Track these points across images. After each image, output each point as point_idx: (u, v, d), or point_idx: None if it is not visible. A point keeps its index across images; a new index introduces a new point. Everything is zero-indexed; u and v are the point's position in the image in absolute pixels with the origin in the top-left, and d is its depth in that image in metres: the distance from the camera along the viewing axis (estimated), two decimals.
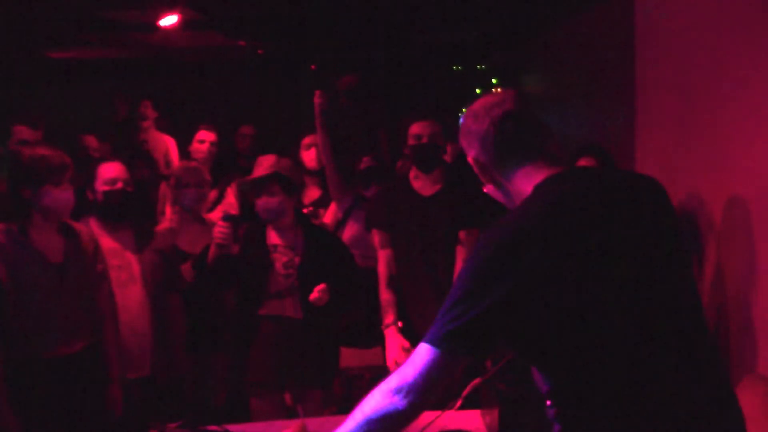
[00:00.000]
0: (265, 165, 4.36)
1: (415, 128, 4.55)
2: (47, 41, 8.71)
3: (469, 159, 2.32)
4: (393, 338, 4.29)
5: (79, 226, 4.01)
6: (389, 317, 4.39)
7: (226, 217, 4.29)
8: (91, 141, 6.80)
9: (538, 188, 2.13)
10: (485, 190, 2.35)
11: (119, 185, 4.30)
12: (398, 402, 2.00)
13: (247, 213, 5.15)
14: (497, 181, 2.28)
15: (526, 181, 2.18)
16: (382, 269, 4.55)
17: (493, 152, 2.24)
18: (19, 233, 3.74)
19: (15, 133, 5.12)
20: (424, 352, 2.01)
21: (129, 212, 4.38)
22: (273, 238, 4.42)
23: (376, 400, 2.04)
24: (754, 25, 3.98)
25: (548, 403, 2.10)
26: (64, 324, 3.78)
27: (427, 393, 2.01)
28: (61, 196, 3.77)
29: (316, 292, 4.23)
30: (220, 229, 4.21)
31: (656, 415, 1.98)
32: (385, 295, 4.47)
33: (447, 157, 6.32)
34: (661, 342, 2.02)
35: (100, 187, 4.29)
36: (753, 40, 3.99)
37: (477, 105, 2.31)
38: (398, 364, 3.81)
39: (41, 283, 3.73)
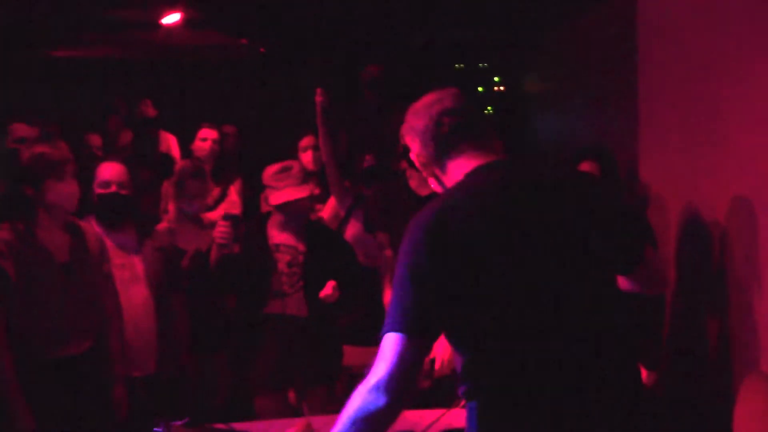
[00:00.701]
0: (299, 177, 4.39)
1: None
2: (50, 40, 8.71)
3: (412, 155, 2.42)
4: None
5: (85, 224, 4.01)
6: None
7: (227, 216, 4.29)
8: (95, 140, 6.80)
9: (467, 176, 2.25)
10: (431, 186, 2.46)
11: (112, 188, 4.25)
12: (378, 398, 2.06)
13: (252, 211, 5.16)
14: (436, 175, 2.38)
15: (459, 172, 2.29)
16: (387, 271, 4.49)
17: (432, 147, 2.35)
18: (25, 232, 3.74)
19: (12, 131, 5.11)
20: (389, 343, 2.08)
21: (122, 215, 4.35)
22: (275, 237, 4.42)
23: (358, 401, 2.10)
24: (757, 28, 3.99)
25: (460, 380, 2.20)
26: (71, 323, 3.78)
27: (404, 383, 2.07)
28: (65, 189, 3.78)
29: (329, 288, 4.24)
30: (221, 229, 4.21)
31: (548, 399, 2.10)
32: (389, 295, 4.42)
33: None
34: (563, 331, 2.13)
35: (96, 188, 4.29)
36: (756, 42, 4.00)
37: (419, 103, 2.44)
38: None
39: (48, 282, 3.73)
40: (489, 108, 9.72)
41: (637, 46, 5.56)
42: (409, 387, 2.08)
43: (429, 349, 2.14)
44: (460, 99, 2.40)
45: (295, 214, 4.40)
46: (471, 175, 2.24)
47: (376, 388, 2.06)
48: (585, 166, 4.44)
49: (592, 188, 2.29)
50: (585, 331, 2.14)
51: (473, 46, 9.77)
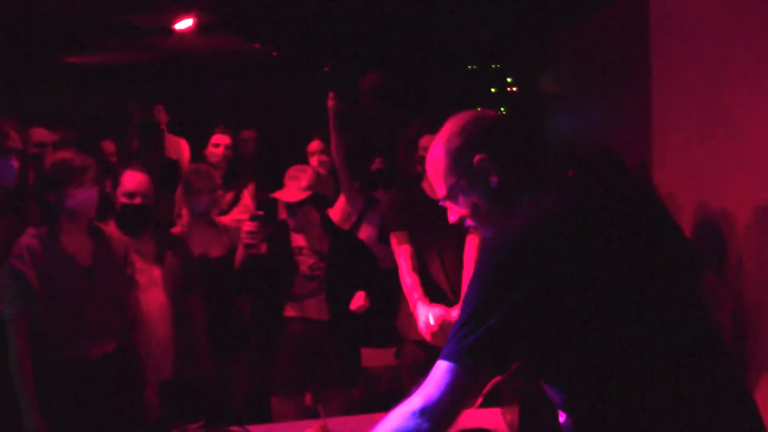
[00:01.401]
0: (303, 183, 4.37)
1: (425, 140, 4.54)
2: (64, 46, 8.75)
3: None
4: (422, 309, 4.16)
5: (108, 228, 4.04)
6: (416, 292, 4.25)
7: (254, 217, 4.28)
8: (109, 146, 6.81)
9: (537, 198, 2.14)
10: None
11: (137, 200, 4.29)
12: (421, 425, 1.96)
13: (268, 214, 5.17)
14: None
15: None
16: (404, 260, 4.39)
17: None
18: (48, 237, 3.78)
19: (32, 136, 5.12)
20: (443, 370, 1.97)
21: (145, 225, 4.38)
22: (298, 240, 4.44)
23: (398, 421, 1.99)
24: None
25: (563, 414, 2.09)
26: (95, 326, 3.82)
27: (451, 413, 1.97)
28: (84, 195, 3.81)
29: (360, 300, 4.24)
30: (248, 229, 4.22)
31: (669, 421, 1.96)
32: (410, 279, 4.32)
33: None
34: (671, 349, 2.00)
35: (120, 197, 4.30)
36: None
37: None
38: (433, 335, 3.83)
39: (71, 286, 3.78)
40: (502, 108, 9.71)
41: (650, 45, 5.55)
42: (456, 416, 1.99)
43: (488, 382, 2.06)
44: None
45: (293, 218, 4.39)
46: (541, 197, 2.14)
47: (423, 412, 1.96)
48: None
49: (654, 198, 2.26)
50: (689, 343, 2.03)
51: (486, 46, 9.76)
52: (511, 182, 2.18)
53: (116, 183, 4.33)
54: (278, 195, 4.42)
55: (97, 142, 6.71)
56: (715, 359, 2.06)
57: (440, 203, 2.30)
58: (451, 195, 2.25)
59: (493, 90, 9.88)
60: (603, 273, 1.98)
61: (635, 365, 1.97)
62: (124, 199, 4.28)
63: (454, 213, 2.29)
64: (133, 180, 4.30)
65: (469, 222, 2.29)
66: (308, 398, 4.46)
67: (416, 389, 2.04)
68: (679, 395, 1.97)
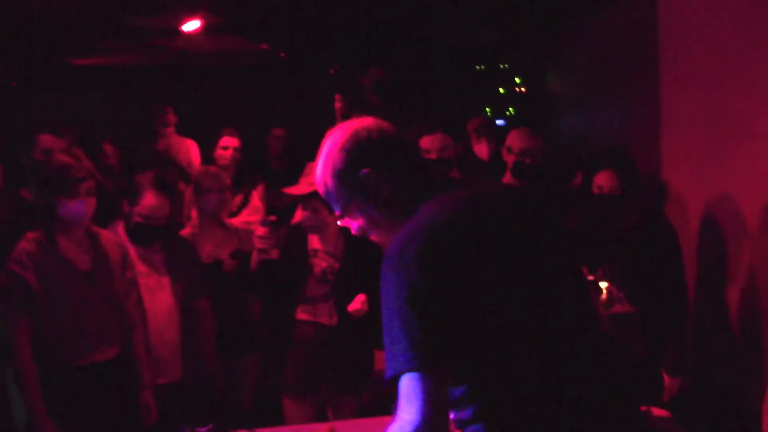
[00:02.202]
0: (312, 177, 4.35)
1: (425, 142, 4.52)
2: (71, 48, 8.76)
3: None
4: None
5: (106, 233, 4.01)
6: None
7: (266, 222, 4.25)
8: (107, 148, 6.82)
9: (431, 202, 2.14)
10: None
11: (153, 222, 4.28)
12: None
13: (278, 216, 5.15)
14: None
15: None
16: None
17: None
18: (47, 241, 3.76)
19: (40, 143, 5.10)
20: (409, 385, 1.92)
21: (157, 239, 4.36)
22: (314, 242, 4.42)
23: None
24: None
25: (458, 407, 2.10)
26: (95, 331, 3.80)
27: (442, 423, 1.94)
28: (75, 208, 3.74)
29: (357, 303, 4.24)
30: (260, 235, 4.20)
31: (556, 403, 2.03)
32: None
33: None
34: (558, 338, 2.06)
35: (136, 216, 4.26)
36: None
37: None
38: None
39: (70, 291, 3.75)
40: (511, 109, 9.69)
41: (659, 46, 5.53)
42: (446, 424, 1.96)
43: (449, 378, 1.99)
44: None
45: (305, 213, 4.36)
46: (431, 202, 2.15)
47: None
48: (603, 177, 4.39)
49: (538, 201, 2.28)
50: (582, 340, 2.11)
51: (494, 46, 9.75)
52: (402, 190, 2.21)
53: (134, 195, 4.28)
54: (288, 189, 4.41)
55: (97, 144, 6.73)
56: (597, 346, 2.15)
57: (338, 222, 2.32)
58: (347, 213, 2.27)
59: (501, 90, 9.86)
60: (496, 267, 2.03)
61: (525, 353, 2.02)
62: (139, 219, 4.25)
63: (355, 228, 2.31)
64: (152, 204, 4.26)
65: (371, 234, 2.31)
66: (318, 402, 4.45)
67: None
68: (560, 379, 2.04)
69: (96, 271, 3.84)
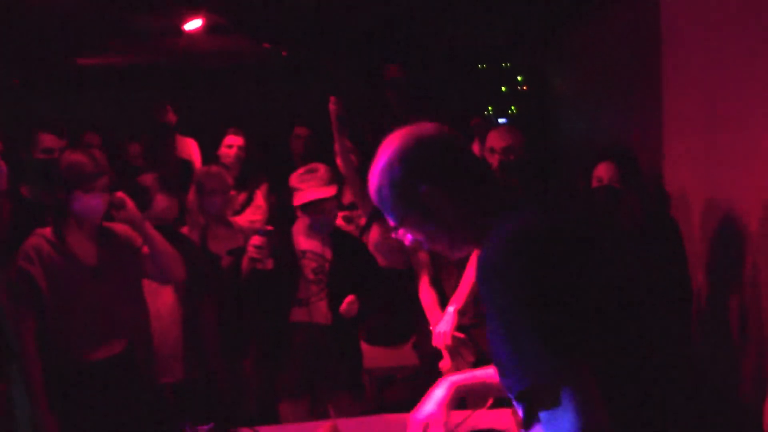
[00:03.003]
0: (325, 176, 4.36)
1: None
2: (73, 48, 8.77)
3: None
4: (450, 317, 4.10)
5: (120, 227, 4.00)
6: (435, 309, 4.28)
7: (262, 232, 4.24)
8: (134, 149, 6.81)
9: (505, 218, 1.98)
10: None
11: (164, 223, 4.31)
12: None
13: (278, 216, 5.15)
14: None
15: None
16: (423, 271, 4.44)
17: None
18: (54, 237, 3.77)
19: (40, 142, 5.12)
20: (557, 391, 1.75)
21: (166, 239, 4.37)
22: (302, 243, 4.42)
23: None
24: None
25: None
26: (102, 327, 3.81)
27: (603, 422, 1.77)
28: (91, 203, 3.78)
29: (346, 305, 4.24)
30: (255, 244, 4.19)
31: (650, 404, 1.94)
32: (428, 296, 4.37)
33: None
34: (649, 339, 1.98)
35: (151, 220, 4.28)
36: None
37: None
38: (447, 347, 3.90)
39: (77, 286, 3.77)
40: (513, 108, 9.69)
41: (661, 44, 5.53)
42: (603, 417, 1.77)
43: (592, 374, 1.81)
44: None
45: (319, 216, 4.37)
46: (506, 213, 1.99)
47: None
48: (602, 168, 4.40)
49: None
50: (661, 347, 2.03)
51: (496, 45, 9.75)
52: (467, 206, 2.04)
53: (146, 197, 4.31)
54: (304, 196, 4.37)
55: (122, 144, 6.73)
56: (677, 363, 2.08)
57: (393, 234, 2.14)
58: (403, 226, 2.10)
59: (503, 89, 9.86)
60: (591, 276, 1.89)
61: (625, 355, 1.90)
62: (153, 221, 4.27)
63: (409, 240, 2.13)
64: (165, 206, 4.32)
65: (428, 247, 2.14)
66: (316, 402, 4.46)
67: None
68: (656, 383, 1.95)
69: (103, 266, 3.85)
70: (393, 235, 2.15)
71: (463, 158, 2.07)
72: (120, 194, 3.88)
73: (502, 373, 1.89)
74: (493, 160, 4.87)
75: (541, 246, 1.85)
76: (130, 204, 3.89)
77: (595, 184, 4.40)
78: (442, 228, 2.06)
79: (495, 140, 4.88)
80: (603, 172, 4.38)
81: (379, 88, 7.02)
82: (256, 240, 4.20)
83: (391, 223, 2.11)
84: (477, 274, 1.89)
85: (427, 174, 2.02)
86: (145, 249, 3.98)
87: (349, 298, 4.26)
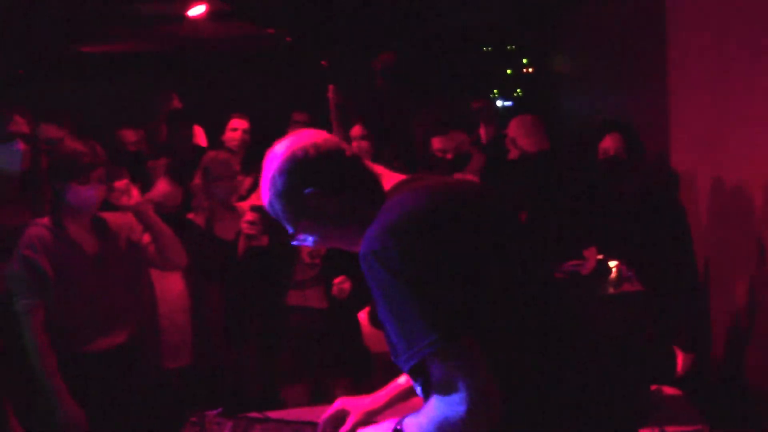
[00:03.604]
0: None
1: (437, 143, 4.50)
2: (77, 36, 8.76)
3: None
4: None
5: (113, 216, 3.97)
6: None
7: (254, 208, 4.23)
8: (129, 135, 6.77)
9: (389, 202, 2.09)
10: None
11: (164, 210, 4.30)
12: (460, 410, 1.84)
13: None
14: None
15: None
16: None
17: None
18: (56, 226, 3.75)
19: (41, 132, 5.09)
20: (442, 364, 1.86)
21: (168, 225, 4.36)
22: None
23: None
24: None
25: None
26: (106, 315, 3.80)
27: (491, 387, 1.85)
28: (85, 194, 3.72)
29: (336, 286, 4.23)
30: (248, 220, 4.18)
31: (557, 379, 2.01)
32: None
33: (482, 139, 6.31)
34: (547, 313, 2.06)
35: (150, 201, 4.29)
36: None
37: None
38: None
39: (81, 275, 3.74)
40: (518, 90, 9.66)
41: (666, 25, 5.50)
42: (496, 391, 1.85)
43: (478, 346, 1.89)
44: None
45: None
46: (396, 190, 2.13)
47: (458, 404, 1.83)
48: (608, 140, 4.41)
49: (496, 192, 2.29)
50: (568, 319, 2.11)
51: (501, 28, 9.71)
52: (351, 202, 2.17)
53: (148, 184, 4.30)
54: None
55: (114, 132, 6.69)
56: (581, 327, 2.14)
57: (292, 243, 2.27)
58: (299, 231, 2.22)
59: (508, 71, 9.83)
60: (479, 241, 2.00)
61: (525, 325, 2.00)
62: (150, 203, 4.26)
63: (310, 243, 2.27)
64: (165, 191, 4.30)
65: (328, 245, 2.32)
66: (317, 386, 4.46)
67: None
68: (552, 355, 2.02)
69: (104, 254, 3.83)
70: (293, 243, 2.26)
71: (337, 159, 2.18)
72: (125, 182, 3.86)
73: (394, 353, 1.99)
74: (513, 149, 4.86)
75: (417, 227, 1.95)
76: (134, 191, 3.87)
77: (601, 156, 4.40)
78: (334, 227, 2.20)
79: (516, 133, 4.87)
80: (609, 143, 4.39)
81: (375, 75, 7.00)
82: (249, 216, 4.18)
83: (289, 231, 2.23)
84: (360, 260, 1.98)
85: (307, 180, 2.15)
86: (147, 237, 3.96)
87: (339, 278, 4.24)
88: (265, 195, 2.22)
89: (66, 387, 3.61)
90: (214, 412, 2.84)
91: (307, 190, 2.14)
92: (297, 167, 2.15)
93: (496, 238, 2.05)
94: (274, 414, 3.02)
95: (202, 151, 6.82)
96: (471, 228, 2.01)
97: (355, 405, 2.68)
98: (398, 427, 2.04)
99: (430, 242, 1.93)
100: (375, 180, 2.19)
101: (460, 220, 2.01)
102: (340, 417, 2.67)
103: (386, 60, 6.77)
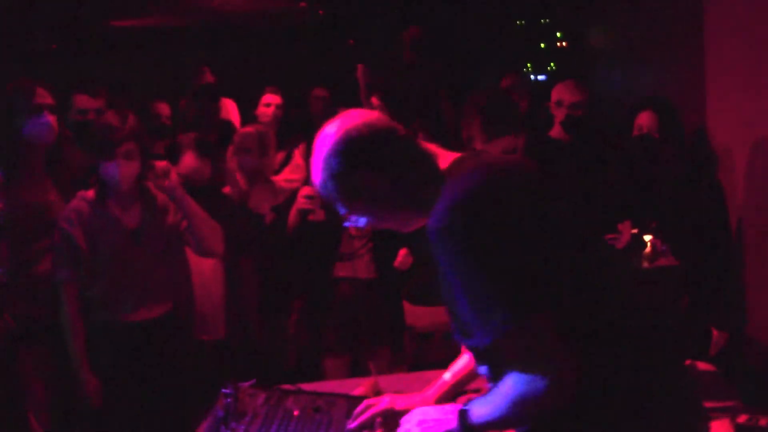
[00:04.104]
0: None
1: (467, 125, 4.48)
2: (110, 11, 8.79)
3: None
4: None
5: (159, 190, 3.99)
6: None
7: (311, 183, 4.23)
8: (163, 108, 6.79)
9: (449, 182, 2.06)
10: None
11: (193, 183, 4.32)
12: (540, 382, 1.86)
13: None
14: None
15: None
16: None
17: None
18: (96, 200, 3.79)
19: (75, 103, 5.12)
20: (520, 340, 1.86)
21: (197, 197, 4.37)
22: None
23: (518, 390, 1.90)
24: None
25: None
26: (142, 289, 3.84)
27: (573, 363, 1.86)
28: (112, 170, 3.72)
29: (401, 257, 4.24)
30: (306, 194, 4.17)
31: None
32: None
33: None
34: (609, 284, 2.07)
35: (177, 175, 4.31)
36: None
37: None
38: None
39: (117, 248, 3.79)
40: (552, 64, 9.58)
41: None
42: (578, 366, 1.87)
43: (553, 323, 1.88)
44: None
45: None
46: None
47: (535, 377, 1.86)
48: (644, 117, 4.39)
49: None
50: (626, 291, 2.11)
51: (534, 1, 9.62)
52: (405, 182, 2.13)
53: (176, 157, 4.33)
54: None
55: (149, 105, 6.72)
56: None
57: (345, 224, 2.27)
58: (352, 212, 2.20)
59: (542, 45, 9.75)
60: (546, 216, 1.99)
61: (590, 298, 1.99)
62: (178, 177, 4.29)
63: (363, 224, 2.24)
64: (190, 165, 4.32)
65: (382, 226, 2.26)
66: (359, 358, 4.46)
67: None
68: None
69: (146, 229, 3.86)
70: (346, 224, 2.26)
71: (391, 139, 2.16)
72: (164, 163, 3.89)
73: (460, 330, 2.02)
74: (558, 113, 4.84)
75: (484, 203, 1.94)
76: (173, 175, 3.89)
77: (635, 132, 4.38)
78: (388, 208, 2.18)
79: (564, 94, 4.85)
80: (644, 120, 4.37)
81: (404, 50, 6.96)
82: (306, 190, 4.17)
83: (341, 212, 2.21)
84: (430, 241, 1.98)
85: (361, 161, 2.12)
86: (185, 223, 3.98)
87: (403, 251, 4.25)
88: (317, 176, 2.19)
89: (86, 356, 3.71)
90: (248, 383, 2.86)
91: (361, 171, 2.12)
92: (351, 148, 2.12)
93: (556, 212, 2.04)
94: (306, 386, 3.03)
95: (228, 126, 6.86)
96: (534, 203, 2.00)
97: (403, 403, 2.62)
98: (465, 408, 2.03)
99: (498, 218, 1.91)
100: (430, 159, 2.16)
101: (524, 196, 2.00)
102: (391, 417, 2.59)
103: (415, 33, 6.74)
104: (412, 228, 2.25)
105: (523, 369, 1.87)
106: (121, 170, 3.73)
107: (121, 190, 3.80)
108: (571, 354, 1.86)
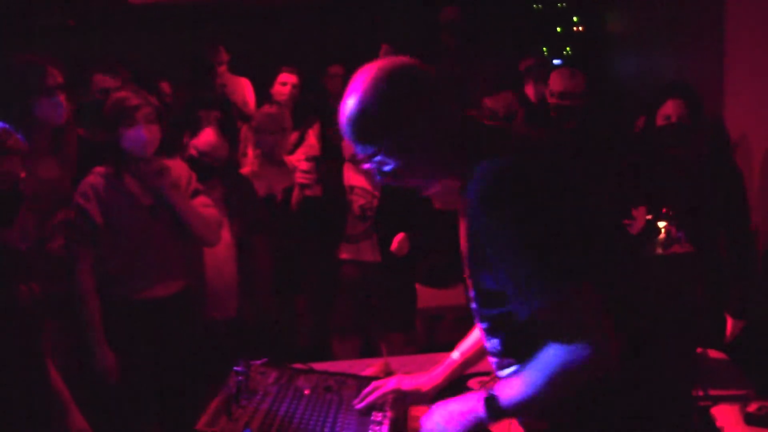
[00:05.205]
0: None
1: (489, 102, 4.46)
2: None
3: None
4: None
5: (172, 162, 4.01)
6: None
7: (310, 158, 4.26)
8: (164, 87, 6.79)
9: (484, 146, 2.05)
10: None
11: (207, 159, 4.35)
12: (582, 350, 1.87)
13: (330, 154, 5.13)
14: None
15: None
16: None
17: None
18: (113, 176, 3.80)
19: (96, 83, 5.13)
20: (562, 311, 1.87)
21: (212, 176, 4.37)
22: (351, 178, 4.40)
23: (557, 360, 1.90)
24: None
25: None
26: (158, 265, 3.86)
27: (612, 334, 1.87)
28: (134, 135, 3.77)
29: (396, 243, 4.22)
30: (303, 169, 4.20)
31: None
32: None
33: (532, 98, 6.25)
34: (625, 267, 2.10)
35: (191, 149, 4.38)
36: None
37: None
38: None
39: (134, 224, 3.81)
40: (568, 49, 9.53)
41: None
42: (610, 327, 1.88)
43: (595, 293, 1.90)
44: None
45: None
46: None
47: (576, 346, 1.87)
48: (670, 105, 4.29)
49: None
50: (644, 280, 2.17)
51: None
52: (448, 134, 2.06)
53: (193, 133, 4.34)
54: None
55: (154, 83, 6.71)
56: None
57: (361, 165, 2.20)
58: (378, 156, 2.08)
59: (558, 29, 9.69)
60: (583, 198, 2.05)
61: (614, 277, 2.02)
62: (194, 153, 4.32)
63: (385, 172, 2.11)
64: (208, 141, 4.33)
65: (403, 181, 2.13)
66: (368, 340, 4.47)
67: None
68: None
69: (160, 205, 3.87)
70: (364, 167, 2.17)
71: (441, 86, 2.08)
72: (164, 162, 3.90)
73: (486, 303, 2.04)
74: (551, 102, 4.82)
75: (528, 178, 1.92)
76: (169, 175, 3.90)
77: (660, 122, 4.25)
78: (421, 156, 2.06)
79: (555, 82, 4.82)
80: (671, 109, 4.22)
81: (435, 31, 6.91)
82: (303, 165, 4.20)
83: (365, 152, 2.09)
84: (468, 212, 1.97)
85: (413, 90, 2.03)
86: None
87: (400, 236, 4.24)
88: (349, 111, 2.06)
89: (103, 333, 3.73)
90: (259, 362, 2.87)
91: (409, 99, 2.02)
92: (403, 74, 2.05)
93: (592, 192, 2.09)
94: (318, 365, 3.04)
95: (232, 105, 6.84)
96: (572, 178, 2.04)
97: (411, 383, 2.64)
98: (492, 393, 1.99)
99: (541, 190, 1.92)
100: (473, 120, 2.13)
101: (563, 171, 2.04)
102: (399, 397, 2.62)
103: (451, 15, 6.68)
104: (430, 191, 2.17)
105: (566, 338, 1.86)
106: (145, 133, 3.77)
107: (143, 158, 3.81)
108: (612, 324, 1.87)
